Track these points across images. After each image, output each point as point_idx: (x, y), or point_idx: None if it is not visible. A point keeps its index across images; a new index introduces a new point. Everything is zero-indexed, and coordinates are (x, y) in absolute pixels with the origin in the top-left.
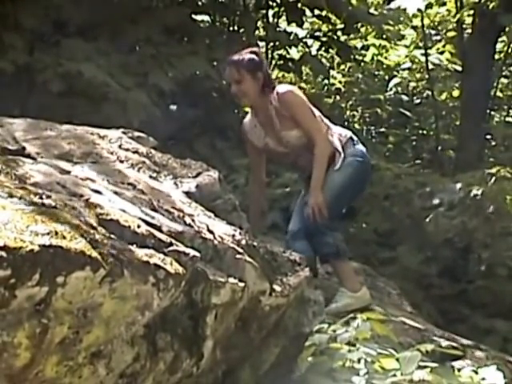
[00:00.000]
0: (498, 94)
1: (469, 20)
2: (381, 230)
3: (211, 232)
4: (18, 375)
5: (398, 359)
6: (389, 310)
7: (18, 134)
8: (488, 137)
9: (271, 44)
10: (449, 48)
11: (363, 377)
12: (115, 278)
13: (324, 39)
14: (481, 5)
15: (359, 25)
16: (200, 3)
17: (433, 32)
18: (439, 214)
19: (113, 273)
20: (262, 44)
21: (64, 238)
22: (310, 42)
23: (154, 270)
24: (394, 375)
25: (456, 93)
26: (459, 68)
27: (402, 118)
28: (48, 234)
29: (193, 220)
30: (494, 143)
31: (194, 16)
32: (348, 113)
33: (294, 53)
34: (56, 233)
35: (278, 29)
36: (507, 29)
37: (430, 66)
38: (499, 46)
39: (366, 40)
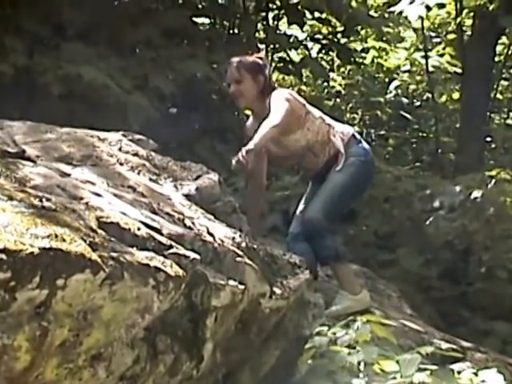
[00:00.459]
0: (498, 96)
1: (469, 22)
2: (381, 232)
3: (211, 234)
4: (18, 378)
5: (397, 362)
6: (389, 312)
7: (17, 137)
8: (488, 139)
9: (271, 46)
10: (449, 50)
11: (363, 379)
12: (115, 281)
13: (324, 42)
14: (481, 7)
15: (359, 27)
16: (200, 6)
17: (433, 34)
18: (439, 216)
19: (113, 275)
20: (262, 46)
21: (64, 240)
22: (310, 44)
23: (154, 272)
24: (394, 378)
25: (456, 95)
26: (459, 70)
27: (402, 121)
28: (48, 236)
29: (193, 223)
30: (494, 145)
31: (194, 19)
32: (348, 115)
33: (294, 55)
34: (56, 236)
35: (278, 31)
36: (507, 30)
37: (430, 69)
38: (499, 48)
39: (366, 42)
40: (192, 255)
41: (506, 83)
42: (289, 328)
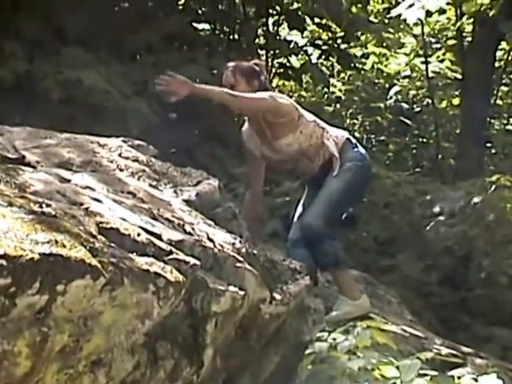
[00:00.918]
0: (498, 102)
1: (469, 28)
2: (381, 238)
3: (211, 240)
4: (18, 383)
5: (397, 367)
6: (389, 318)
7: (18, 143)
8: (488, 145)
9: (271, 52)
10: (449, 56)
11: None
12: (115, 287)
13: (324, 47)
14: (481, 13)
15: (359, 33)
16: (200, 11)
17: (433, 40)
18: (439, 222)
19: (113, 281)
20: (262, 52)
21: (64, 246)
22: (310, 50)
23: (154, 278)
24: (394, 383)
25: (456, 101)
26: (459, 76)
27: (402, 126)
28: (48, 242)
29: (193, 228)
30: (494, 151)
31: (194, 24)
32: (348, 121)
33: (295, 61)
34: (56, 241)
35: (278, 37)
36: (507, 36)
37: (430, 74)
38: (499, 53)
39: (366, 48)
40: (192, 261)
41: (505, 89)
42: (289, 334)
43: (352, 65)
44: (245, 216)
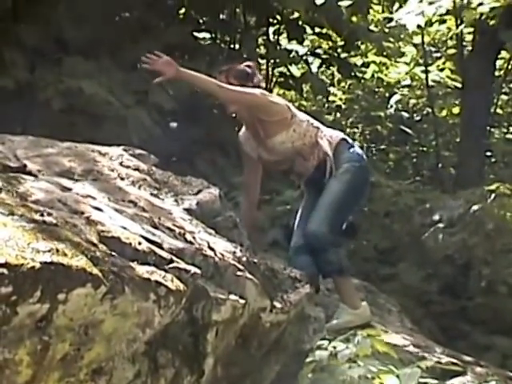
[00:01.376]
0: (498, 110)
1: (469, 37)
2: (381, 246)
3: (212, 249)
4: None
5: (398, 376)
6: (389, 326)
7: (19, 152)
8: (488, 153)
9: (272, 61)
10: (449, 65)
11: None
12: (116, 295)
13: (324, 56)
14: (481, 22)
15: (359, 42)
16: (201, 21)
17: (433, 49)
18: (439, 230)
19: (114, 290)
20: (262, 61)
21: (65, 255)
22: (310, 59)
23: (155, 286)
24: None
25: (456, 110)
26: (459, 85)
27: (402, 135)
28: (49, 251)
29: (194, 237)
30: (494, 160)
31: (195, 34)
32: (348, 130)
33: (295, 70)
34: (57, 250)
35: (278, 47)
36: (507, 45)
37: (430, 83)
38: (499, 63)
39: (367, 57)
40: (193, 269)
41: (505, 98)
42: (289, 342)
43: (352, 74)
44: (244, 224)
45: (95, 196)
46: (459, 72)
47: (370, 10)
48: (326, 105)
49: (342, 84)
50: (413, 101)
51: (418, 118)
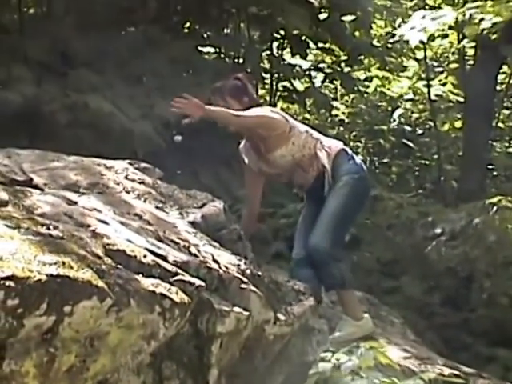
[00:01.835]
0: (500, 125)
1: (471, 52)
2: (384, 259)
3: (216, 262)
4: None
5: None
6: (392, 338)
7: (25, 165)
8: (490, 167)
9: (276, 76)
10: (451, 79)
11: None
12: (122, 308)
13: (328, 71)
14: (482, 37)
15: (362, 57)
16: (206, 35)
17: (435, 64)
18: (441, 243)
19: (119, 302)
20: (266, 76)
21: (71, 267)
22: (313, 73)
23: (160, 299)
24: None
25: (458, 124)
26: (461, 99)
27: (404, 149)
28: (55, 264)
29: (198, 250)
30: (495, 173)
31: (199, 48)
32: (352, 143)
33: (298, 84)
34: (63, 263)
35: (282, 61)
36: (509, 59)
37: (433, 97)
38: (501, 77)
39: (370, 71)
40: (197, 282)
41: (507, 112)
42: (293, 354)
43: (355, 88)
44: (244, 233)
45: (101, 209)
46: (461, 86)
47: (373, 25)
48: (330, 119)
49: (346, 98)
50: (415, 115)
51: (420, 132)
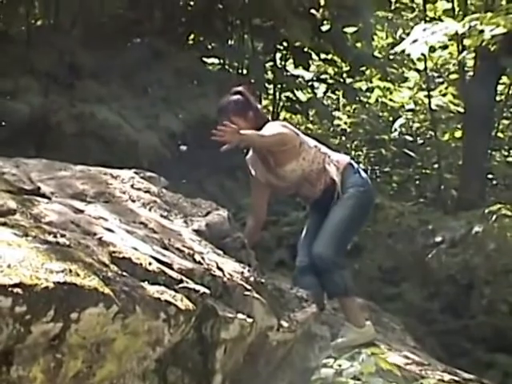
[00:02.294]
0: (499, 134)
1: (470, 63)
2: (385, 266)
3: (220, 269)
4: None
5: None
6: (393, 344)
7: (33, 174)
8: (489, 176)
9: (279, 86)
10: (451, 90)
11: None
12: (127, 314)
13: (330, 81)
14: (482, 47)
15: (364, 68)
16: (210, 47)
17: (435, 75)
18: (441, 251)
19: (125, 309)
20: (270, 86)
21: (78, 275)
22: (316, 84)
23: (165, 306)
24: None
25: (458, 133)
26: (461, 109)
27: (405, 158)
28: (62, 271)
29: (203, 258)
30: (495, 182)
31: (204, 59)
32: (353, 153)
33: (301, 95)
34: (70, 270)
35: (285, 72)
36: (508, 70)
37: (433, 108)
38: (500, 88)
39: (371, 82)
40: (202, 289)
41: (506, 122)
42: (296, 360)
43: (357, 98)
44: (247, 240)
45: (107, 218)
46: (461, 97)
47: (374, 37)
48: (332, 128)
49: (347, 108)
50: (416, 125)
51: (421, 142)
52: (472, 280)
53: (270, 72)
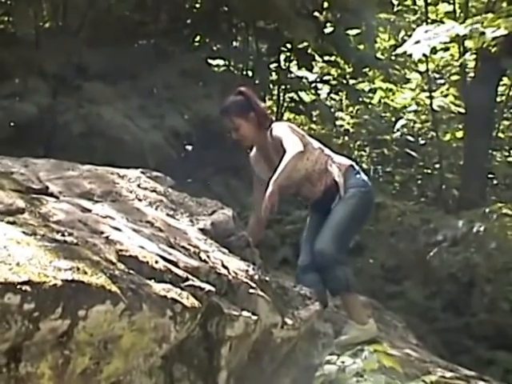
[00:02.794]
0: (500, 135)
1: (472, 64)
2: (387, 265)
3: (226, 267)
4: None
5: None
6: (395, 342)
7: (41, 174)
8: (490, 176)
9: (283, 87)
10: (452, 91)
11: None
12: (134, 312)
13: (333, 83)
14: (483, 49)
15: (367, 69)
16: (215, 48)
17: (437, 76)
18: (443, 249)
19: (132, 306)
20: (274, 87)
21: (85, 273)
22: (319, 85)
23: (171, 303)
24: None
25: (459, 134)
26: (462, 110)
27: (407, 158)
28: (70, 269)
29: (208, 256)
30: (495, 182)
31: (209, 60)
32: (356, 153)
33: (305, 96)
34: (78, 268)
35: (289, 73)
36: (508, 71)
37: (435, 109)
38: (501, 89)
39: (374, 83)
40: (207, 287)
41: (507, 123)
42: (299, 357)
43: (360, 99)
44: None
45: (114, 216)
46: (462, 98)
47: (377, 39)
48: (335, 129)
49: (350, 109)
50: (418, 125)
51: (422, 142)
52: (473, 278)
53: (274, 73)
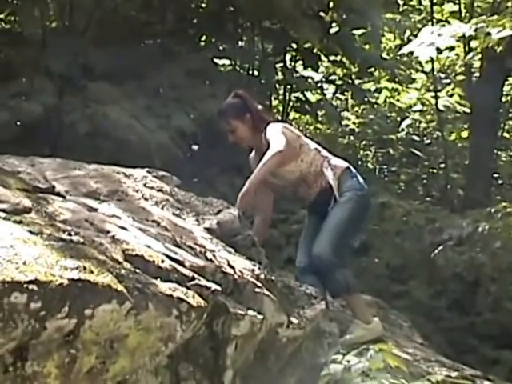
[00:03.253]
0: (505, 134)
1: (477, 64)
2: (392, 264)
3: (231, 267)
4: None
5: None
6: (400, 341)
7: (48, 173)
8: (495, 176)
9: (289, 87)
10: (458, 91)
11: None
12: (140, 311)
13: (339, 83)
14: (488, 49)
15: (372, 69)
16: (221, 48)
17: (442, 76)
18: (448, 249)
19: (138, 306)
20: (280, 87)
21: (92, 272)
22: (325, 85)
23: (177, 303)
24: None
25: (465, 134)
26: (468, 110)
27: (413, 158)
28: (77, 268)
29: (214, 255)
30: (500, 182)
31: (215, 60)
32: (361, 152)
33: (311, 96)
34: (84, 267)
35: (295, 73)
36: None
37: (440, 108)
38: (506, 88)
39: (379, 83)
40: (213, 286)
41: None
42: (305, 356)
43: (365, 99)
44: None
45: (120, 216)
46: (467, 98)
47: (382, 39)
48: (340, 128)
49: (356, 109)
50: (423, 125)
51: (428, 142)
52: (478, 278)
53: (279, 73)
